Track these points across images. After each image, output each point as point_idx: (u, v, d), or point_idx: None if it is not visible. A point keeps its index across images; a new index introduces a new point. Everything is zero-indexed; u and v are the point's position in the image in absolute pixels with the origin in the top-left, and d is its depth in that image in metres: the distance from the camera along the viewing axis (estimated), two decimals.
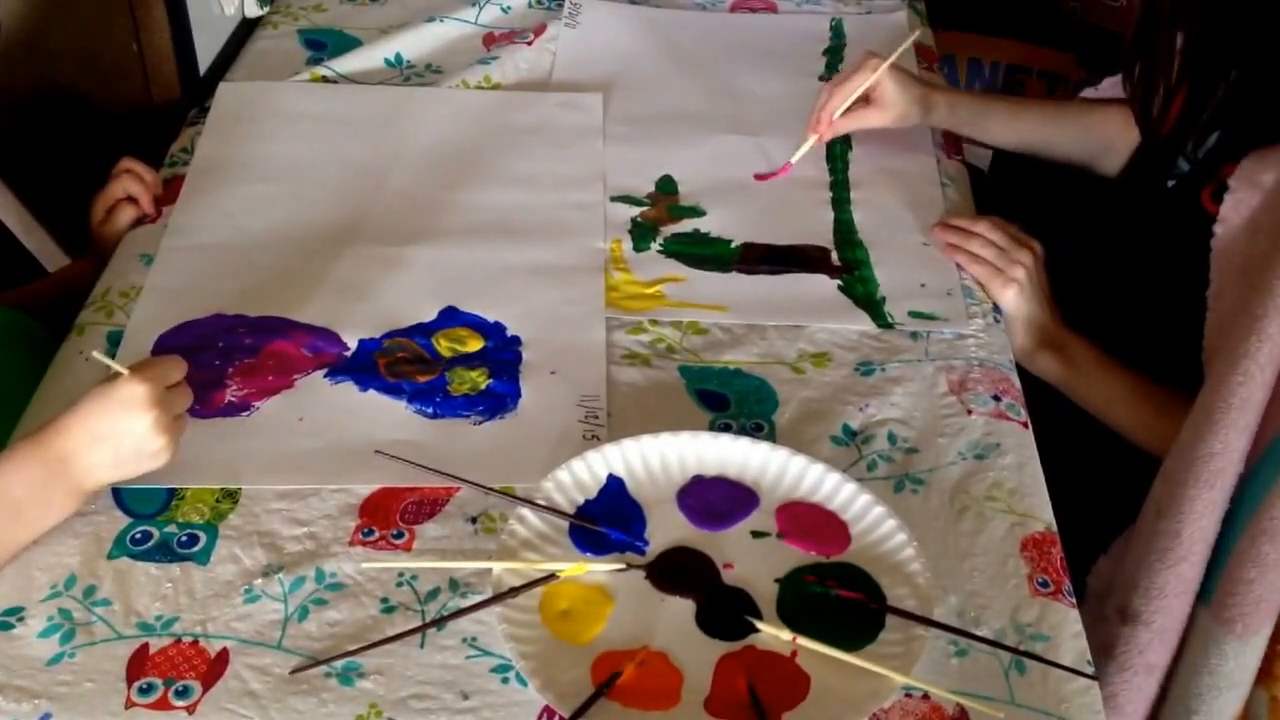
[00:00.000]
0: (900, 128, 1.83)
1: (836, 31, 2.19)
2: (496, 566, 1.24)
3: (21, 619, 1.21)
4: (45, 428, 1.25)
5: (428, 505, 1.34)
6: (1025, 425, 1.46)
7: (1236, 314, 1.38)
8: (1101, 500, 1.52)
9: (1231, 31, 1.49)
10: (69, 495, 1.27)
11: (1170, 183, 1.60)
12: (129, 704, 1.15)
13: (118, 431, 1.25)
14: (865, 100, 1.81)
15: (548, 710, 1.15)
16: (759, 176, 1.85)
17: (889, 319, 1.59)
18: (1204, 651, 1.40)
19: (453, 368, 1.50)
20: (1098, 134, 1.85)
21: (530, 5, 2.24)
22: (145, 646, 1.19)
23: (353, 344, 1.53)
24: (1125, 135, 1.81)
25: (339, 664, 1.19)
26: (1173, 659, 1.44)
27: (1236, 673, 1.40)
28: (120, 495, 1.33)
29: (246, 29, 2.15)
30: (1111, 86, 1.85)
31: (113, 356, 1.47)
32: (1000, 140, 1.91)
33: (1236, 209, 1.44)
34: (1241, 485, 1.37)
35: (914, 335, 1.57)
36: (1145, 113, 1.61)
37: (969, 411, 1.47)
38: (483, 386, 1.48)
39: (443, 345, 1.53)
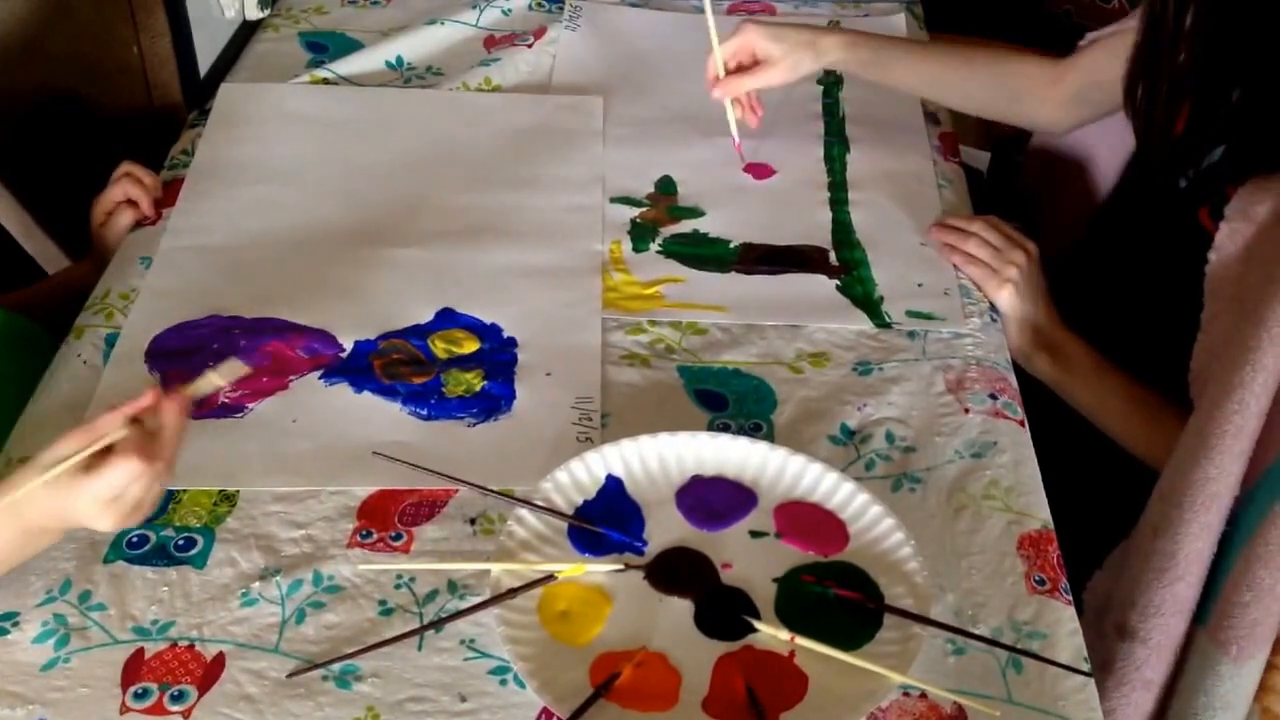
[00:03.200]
0: (794, 79, 1.82)
1: None
2: (495, 568, 1.24)
3: (16, 624, 1.21)
4: (17, 496, 1.13)
5: (426, 507, 1.35)
6: (1022, 424, 1.46)
7: (1229, 341, 1.38)
8: (1097, 512, 1.51)
9: (1234, 50, 1.48)
10: (55, 536, 1.22)
11: (1168, 197, 1.60)
12: (124, 709, 1.15)
13: (84, 524, 1.17)
14: (756, 63, 1.81)
15: (546, 712, 1.15)
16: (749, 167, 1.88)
17: (886, 319, 1.59)
18: (1201, 672, 1.40)
19: (448, 369, 1.50)
20: (1010, 82, 1.84)
21: (531, 8, 2.23)
22: (141, 651, 1.19)
23: (349, 345, 1.53)
24: (1041, 88, 1.81)
25: (336, 667, 1.19)
26: (1172, 677, 1.44)
27: (1232, 694, 1.39)
28: None
29: (247, 31, 2.15)
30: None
31: (107, 357, 1.48)
32: (904, 83, 1.89)
33: (1231, 238, 1.43)
34: (1238, 509, 1.37)
35: (911, 335, 1.57)
36: (1147, 129, 1.60)
37: (966, 410, 1.47)
38: (477, 388, 1.48)
39: (438, 347, 1.53)
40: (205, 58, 2.02)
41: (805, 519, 1.32)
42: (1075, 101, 1.79)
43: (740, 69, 1.82)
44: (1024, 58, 1.84)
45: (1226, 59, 1.49)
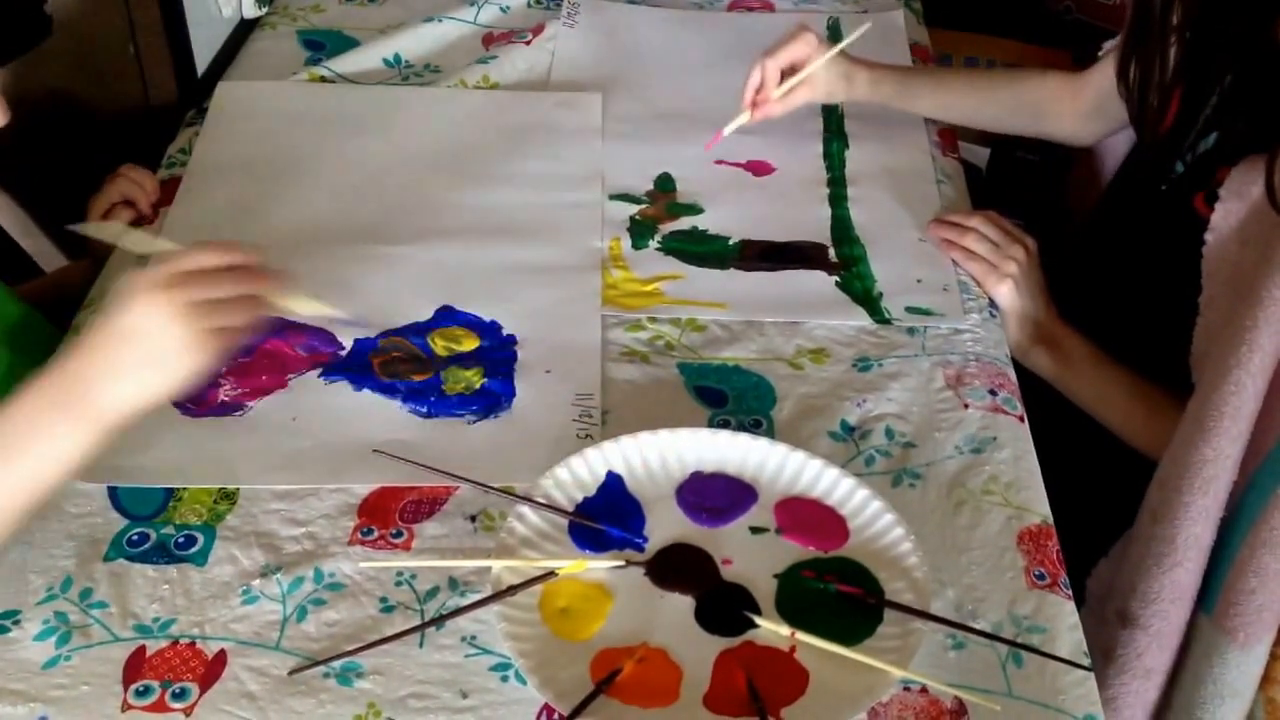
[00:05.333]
0: (820, 102, 1.87)
1: (833, 30, 2.19)
2: (495, 565, 1.24)
3: (17, 622, 1.21)
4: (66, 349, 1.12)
5: (427, 504, 1.35)
6: (1021, 419, 1.46)
7: (1226, 322, 1.38)
8: (1101, 503, 1.51)
9: (1224, 35, 1.49)
10: (82, 420, 1.11)
11: (1164, 185, 1.60)
12: (126, 707, 1.15)
13: (120, 332, 1.09)
14: (793, 76, 1.83)
15: (547, 708, 1.15)
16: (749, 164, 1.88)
17: (886, 314, 1.59)
18: (1206, 660, 1.41)
19: (448, 367, 1.50)
20: (1030, 101, 1.87)
21: (529, 5, 2.24)
22: (142, 649, 1.19)
23: (348, 343, 1.53)
24: (1061, 103, 1.84)
25: (338, 664, 1.19)
26: (1176, 666, 1.45)
27: (1239, 681, 1.40)
28: (117, 497, 1.33)
29: (245, 29, 2.15)
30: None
31: None
32: (930, 111, 1.93)
33: (1226, 218, 1.44)
34: (1240, 495, 1.37)
35: (911, 330, 1.57)
36: (1141, 113, 1.61)
37: (965, 406, 1.47)
38: (477, 386, 1.48)
39: (438, 344, 1.53)
40: (202, 56, 2.02)
41: (805, 515, 1.32)
42: (1094, 114, 1.81)
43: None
44: (1044, 75, 1.87)
45: (1214, 49, 1.49)
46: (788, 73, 1.82)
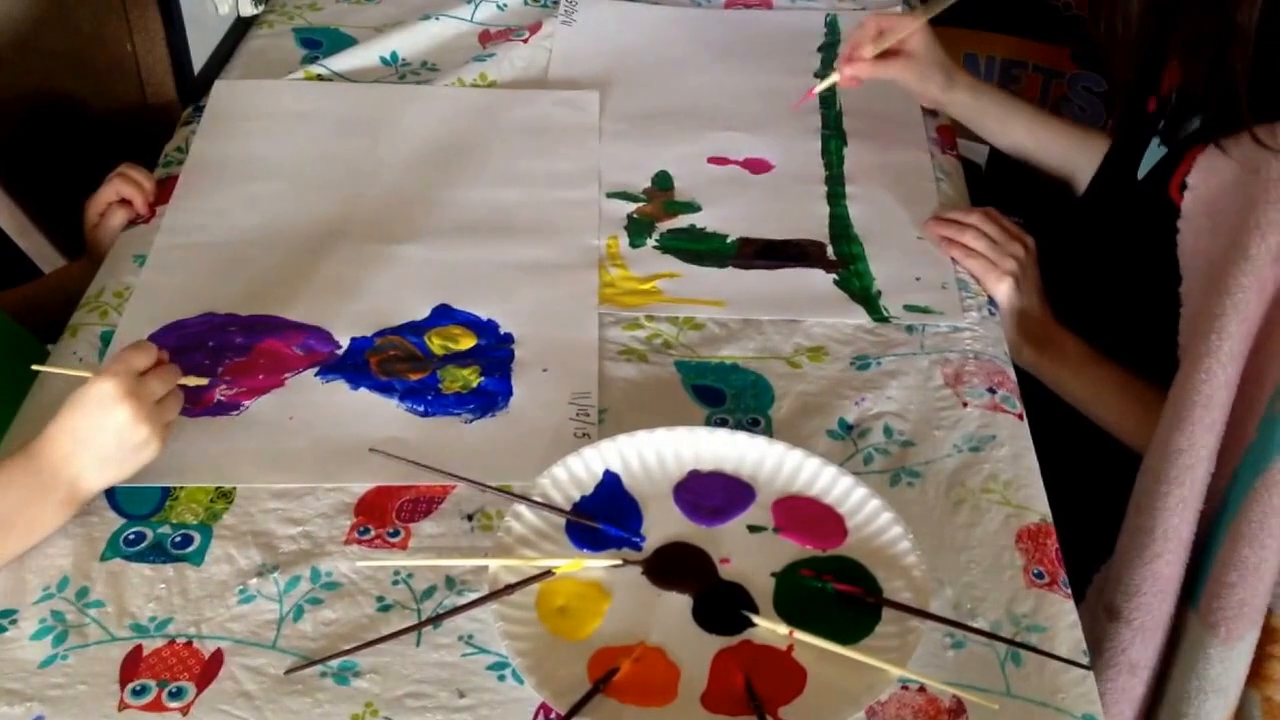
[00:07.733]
0: (911, 83, 1.83)
1: (831, 27, 2.19)
2: (493, 564, 1.24)
3: (14, 621, 1.21)
4: (34, 439, 1.26)
5: (424, 503, 1.34)
6: (1020, 417, 1.46)
7: (1199, 311, 1.38)
8: (1104, 501, 1.51)
9: (1211, 16, 1.48)
10: (62, 504, 1.27)
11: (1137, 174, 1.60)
12: (122, 706, 1.14)
13: (97, 431, 1.26)
14: (895, 52, 1.80)
15: (544, 707, 1.15)
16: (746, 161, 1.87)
17: (884, 313, 1.59)
18: (1191, 655, 1.41)
19: (444, 366, 1.50)
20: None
21: (526, 2, 2.24)
22: (139, 648, 1.19)
23: (345, 342, 1.53)
24: None
25: (334, 663, 1.19)
26: (1165, 661, 1.45)
27: (1223, 678, 1.40)
28: (114, 496, 1.33)
29: (241, 28, 2.15)
30: None
31: (103, 355, 1.47)
32: (1012, 143, 1.87)
33: (1195, 205, 1.44)
34: (1225, 489, 1.37)
35: (909, 329, 1.57)
36: (1109, 61, 1.60)
37: (964, 404, 1.47)
38: (474, 384, 1.47)
39: (435, 343, 1.53)
40: (199, 55, 2.01)
41: (803, 513, 1.32)
42: None
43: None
44: None
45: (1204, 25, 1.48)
46: (887, 51, 1.79)
